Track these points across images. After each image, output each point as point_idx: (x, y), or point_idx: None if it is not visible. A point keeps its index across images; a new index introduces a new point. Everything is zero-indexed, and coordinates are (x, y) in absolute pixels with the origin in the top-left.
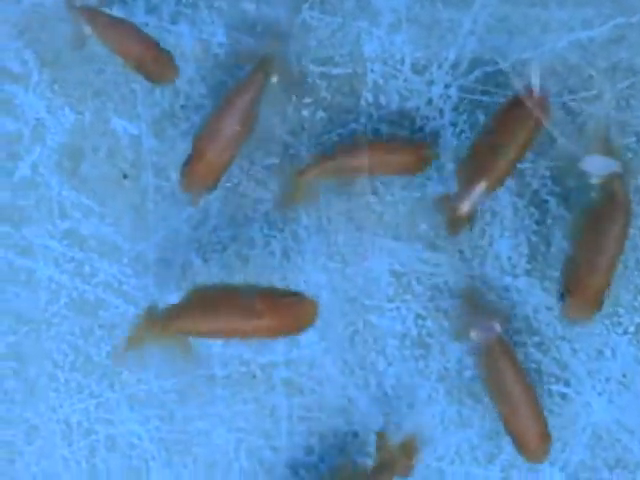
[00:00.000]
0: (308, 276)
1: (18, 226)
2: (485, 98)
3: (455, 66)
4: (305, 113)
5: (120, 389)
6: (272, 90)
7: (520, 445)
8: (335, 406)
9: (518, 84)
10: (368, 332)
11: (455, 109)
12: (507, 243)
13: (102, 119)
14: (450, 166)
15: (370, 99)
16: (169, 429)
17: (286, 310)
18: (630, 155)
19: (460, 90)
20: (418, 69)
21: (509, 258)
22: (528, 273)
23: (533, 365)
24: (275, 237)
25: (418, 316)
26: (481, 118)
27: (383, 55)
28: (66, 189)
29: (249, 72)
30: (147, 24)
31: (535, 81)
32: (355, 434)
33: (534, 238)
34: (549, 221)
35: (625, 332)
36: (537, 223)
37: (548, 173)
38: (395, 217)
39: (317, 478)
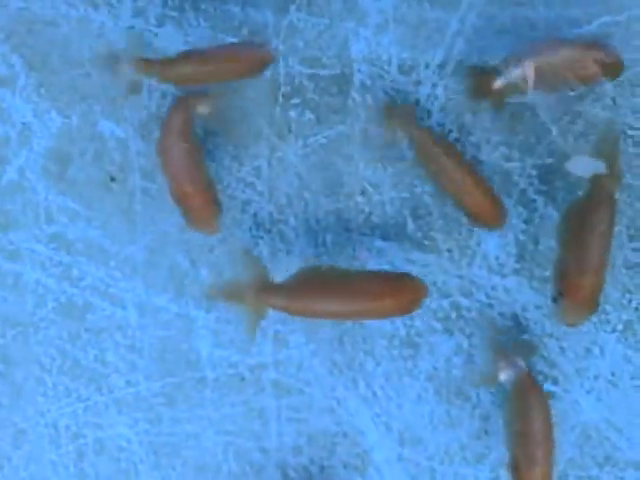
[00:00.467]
0: None
1: (5, 230)
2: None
3: (442, 66)
4: (293, 114)
5: (108, 392)
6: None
7: None
8: (324, 407)
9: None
10: (357, 332)
11: (442, 109)
12: (495, 242)
13: (89, 122)
14: None
15: (358, 99)
16: (158, 432)
17: (404, 291)
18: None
19: (447, 90)
20: (405, 69)
21: (497, 257)
22: (516, 272)
23: None
24: (262, 238)
25: (406, 316)
26: (468, 118)
27: (370, 56)
28: (53, 193)
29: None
30: (133, 27)
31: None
32: (344, 434)
33: (522, 237)
34: (537, 220)
35: (613, 330)
36: (525, 222)
37: (535, 172)
38: (383, 217)
39: (307, 479)
